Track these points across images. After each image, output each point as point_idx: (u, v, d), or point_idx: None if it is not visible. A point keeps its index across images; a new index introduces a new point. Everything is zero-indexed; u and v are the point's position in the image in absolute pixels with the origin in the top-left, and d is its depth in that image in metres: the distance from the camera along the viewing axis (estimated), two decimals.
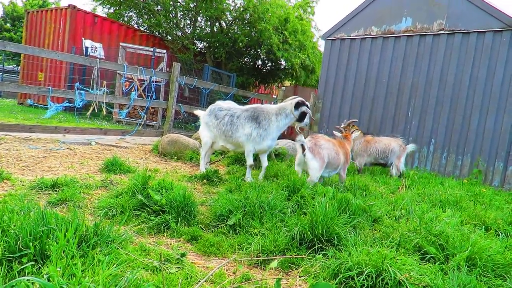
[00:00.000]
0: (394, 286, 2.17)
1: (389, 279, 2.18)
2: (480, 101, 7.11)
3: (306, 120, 4.93)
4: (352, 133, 5.41)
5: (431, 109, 7.67)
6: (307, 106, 4.92)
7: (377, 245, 2.67)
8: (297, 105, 4.85)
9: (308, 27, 15.15)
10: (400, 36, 8.09)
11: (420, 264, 2.46)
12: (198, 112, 5.58)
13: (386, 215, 3.58)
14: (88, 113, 6.75)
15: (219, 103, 5.28)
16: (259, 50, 15.63)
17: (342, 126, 6.09)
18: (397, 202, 4.01)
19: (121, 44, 12.16)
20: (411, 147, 6.71)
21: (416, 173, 6.68)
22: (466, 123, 7.26)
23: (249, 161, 4.91)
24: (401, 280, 2.17)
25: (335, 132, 5.38)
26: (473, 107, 7.19)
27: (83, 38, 12.05)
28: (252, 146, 4.86)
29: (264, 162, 5.08)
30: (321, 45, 16.11)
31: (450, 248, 2.67)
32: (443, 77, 7.56)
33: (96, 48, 12.26)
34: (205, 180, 4.60)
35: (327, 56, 9.23)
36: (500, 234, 3.36)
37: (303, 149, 4.30)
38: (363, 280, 2.20)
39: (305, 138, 4.47)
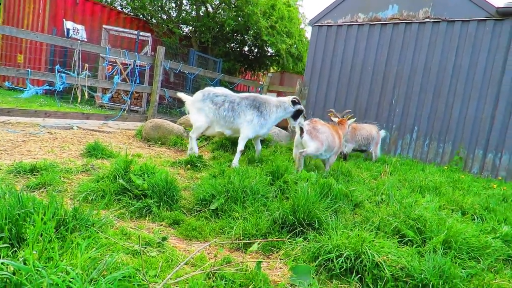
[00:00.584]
0: (372, 268, 2.22)
1: (367, 261, 2.23)
2: (462, 90, 7.22)
3: (300, 119, 5.17)
4: (348, 119, 5.56)
5: (415, 97, 7.76)
6: (299, 104, 5.34)
7: (357, 228, 2.72)
8: (293, 103, 5.27)
9: (296, 14, 15.00)
10: (386, 23, 8.11)
11: (398, 247, 2.52)
12: (183, 96, 5.43)
13: (367, 200, 3.64)
14: (79, 100, 6.56)
15: (211, 89, 5.27)
16: (246, 35, 15.44)
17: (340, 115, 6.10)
18: (378, 187, 4.08)
19: (104, 26, 11.83)
20: (383, 133, 7.04)
21: (398, 160, 6.81)
22: (448, 111, 7.39)
23: (241, 146, 5.03)
24: (378, 262, 2.22)
25: (332, 118, 5.55)
26: (455, 95, 7.30)
27: (64, 20, 11.66)
28: (251, 133, 5.08)
29: (258, 145, 5.48)
30: (308, 32, 16.03)
31: (428, 232, 2.73)
32: (427, 65, 7.63)
33: (78, 30, 11.90)
34: (188, 165, 4.58)
35: (313, 43, 9.19)
36: (476, 218, 3.46)
37: (302, 132, 4.53)
38: (342, 262, 2.24)
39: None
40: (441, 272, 2.17)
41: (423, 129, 7.67)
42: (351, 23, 8.55)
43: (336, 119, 5.49)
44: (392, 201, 3.45)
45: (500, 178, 6.73)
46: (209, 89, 5.29)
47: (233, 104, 5.10)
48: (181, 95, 5.47)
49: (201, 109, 5.15)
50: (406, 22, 7.86)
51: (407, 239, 2.72)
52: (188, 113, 5.41)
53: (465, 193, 4.56)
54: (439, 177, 5.31)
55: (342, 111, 5.94)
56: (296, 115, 5.32)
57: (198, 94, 5.27)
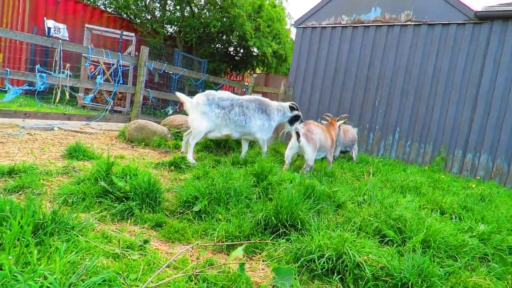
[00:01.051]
0: (353, 268, 2.25)
1: (348, 261, 2.26)
2: (442, 92, 7.39)
3: (296, 124, 5.30)
4: (337, 120, 5.76)
5: (397, 99, 7.90)
6: (297, 110, 5.67)
7: (339, 229, 2.76)
8: (291, 108, 5.61)
9: (282, 14, 15.07)
10: (369, 25, 8.22)
11: (379, 246, 2.56)
12: (183, 96, 5.25)
13: (350, 200, 3.68)
14: (57, 100, 6.42)
15: (214, 92, 5.27)
16: (231, 36, 15.43)
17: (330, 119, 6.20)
18: (361, 188, 4.13)
19: (86, 25, 11.64)
20: (356, 131, 7.36)
21: (381, 161, 6.91)
22: (429, 113, 7.54)
23: (265, 148, 5.51)
24: (359, 262, 2.26)
25: (324, 118, 5.77)
26: (436, 97, 7.46)
27: (45, 18, 11.42)
28: (265, 136, 5.43)
29: (245, 146, 5.70)
30: (293, 33, 16.13)
31: (408, 231, 2.79)
32: (408, 67, 7.78)
33: (59, 29, 11.67)
34: (172, 167, 4.55)
35: (298, 44, 9.26)
36: (454, 217, 3.55)
37: (298, 136, 4.72)
38: (324, 263, 2.27)
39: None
40: (420, 271, 2.22)
41: (405, 130, 7.81)
42: (335, 25, 8.64)
43: (325, 122, 5.69)
44: (373, 201, 3.51)
45: (478, 177, 6.91)
46: (212, 93, 5.26)
47: (242, 108, 5.24)
48: (180, 95, 5.28)
49: (205, 113, 5.08)
50: (388, 25, 7.99)
51: (387, 239, 2.77)
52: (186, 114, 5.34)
53: (445, 193, 4.66)
54: (420, 177, 5.42)
55: (327, 111, 6.07)
56: (292, 120, 5.60)
57: (202, 97, 5.15)
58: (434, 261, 2.45)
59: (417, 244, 2.57)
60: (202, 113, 5.09)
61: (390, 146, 8.01)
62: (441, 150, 7.40)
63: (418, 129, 7.66)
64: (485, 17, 6.93)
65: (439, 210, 3.72)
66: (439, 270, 2.32)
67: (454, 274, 2.40)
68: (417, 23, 7.63)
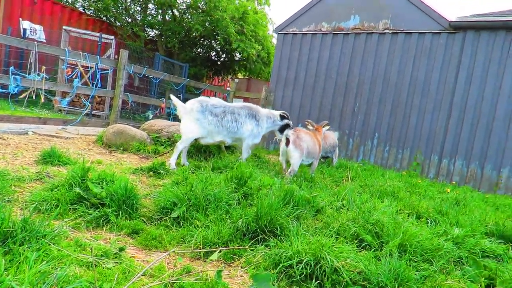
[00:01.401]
0: (331, 273, 2.26)
1: (326, 267, 2.27)
2: (419, 99, 7.58)
3: (286, 131, 5.35)
4: (323, 127, 5.94)
5: (375, 105, 8.05)
6: (287, 119, 5.82)
7: (318, 234, 2.76)
8: (282, 117, 5.79)
9: (264, 19, 15.18)
10: (349, 33, 8.38)
11: (356, 251, 2.58)
12: (177, 101, 5.26)
13: (329, 205, 3.71)
14: (25, 100, 6.23)
15: (207, 99, 5.35)
16: (213, 40, 15.42)
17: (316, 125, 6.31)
18: (340, 193, 4.17)
19: (64, 27, 11.39)
20: (337, 134, 7.39)
21: (360, 166, 7.01)
22: (406, 119, 7.72)
23: (246, 154, 5.56)
24: (337, 267, 2.27)
25: (308, 126, 5.87)
26: (412, 104, 7.65)
27: (20, 19, 11.11)
28: (250, 141, 5.52)
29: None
30: (275, 38, 16.28)
31: (385, 236, 2.82)
32: (386, 75, 7.95)
33: (35, 30, 11.37)
34: (151, 172, 4.48)
35: (279, 50, 9.33)
36: (430, 222, 3.62)
37: (288, 142, 4.93)
38: (302, 268, 2.26)
39: None
40: (396, 275, 2.25)
41: (383, 136, 7.96)
42: (315, 32, 8.76)
43: (311, 127, 5.83)
44: (352, 206, 3.55)
45: (454, 182, 7.10)
46: (205, 100, 5.33)
47: (234, 114, 5.35)
48: (174, 99, 5.29)
49: (199, 120, 5.13)
50: (367, 33, 8.16)
51: (365, 243, 2.79)
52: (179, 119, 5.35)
53: (421, 198, 4.76)
54: (398, 182, 5.52)
55: (307, 117, 6.15)
56: (283, 129, 5.73)
57: (196, 104, 5.19)
58: (410, 265, 2.48)
59: (394, 249, 2.61)
60: (195, 120, 5.14)
61: (369, 151, 8.14)
62: (418, 155, 7.57)
63: (396, 135, 7.82)
64: (459, 27, 7.17)
65: (415, 215, 3.79)
66: (415, 274, 2.35)
67: (429, 278, 2.44)
68: (395, 31, 7.83)
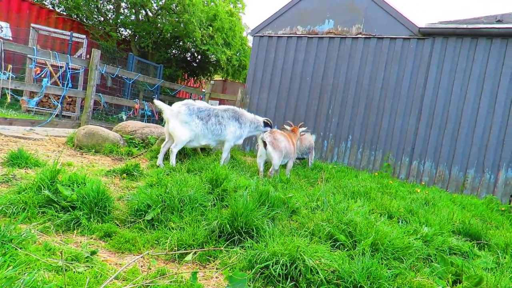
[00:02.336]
0: (306, 272, 2.29)
1: (302, 267, 2.30)
2: (390, 102, 7.81)
3: (262, 135, 5.50)
4: (299, 127, 6.23)
5: (349, 108, 8.22)
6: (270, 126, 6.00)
7: (293, 235, 2.79)
8: (265, 124, 5.96)
9: (238, 23, 15.18)
10: (323, 37, 8.52)
11: (331, 251, 2.63)
12: (161, 104, 5.29)
13: (304, 206, 3.75)
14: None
15: (193, 102, 5.42)
16: (187, 42, 15.28)
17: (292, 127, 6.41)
18: (314, 194, 4.23)
19: (32, 25, 10.98)
20: (314, 137, 7.68)
21: (334, 167, 7.14)
22: (378, 122, 7.93)
23: (226, 154, 5.64)
24: (312, 267, 2.30)
25: (285, 126, 6.17)
26: (384, 107, 7.87)
27: None
28: (232, 142, 5.63)
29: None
30: (251, 41, 16.35)
31: (358, 235, 2.89)
32: (359, 78, 8.14)
33: (1, 27, 10.91)
34: (124, 174, 4.38)
35: (255, 52, 9.36)
36: (400, 221, 3.73)
37: (265, 144, 5.14)
38: (279, 269, 2.28)
39: None
40: (369, 273, 2.30)
41: (357, 138, 8.14)
42: (291, 35, 8.86)
43: (288, 128, 6.09)
44: (326, 207, 3.60)
45: (423, 183, 7.35)
46: (191, 102, 5.40)
47: (218, 117, 5.46)
48: (158, 103, 5.34)
49: (187, 122, 5.19)
50: (341, 37, 8.33)
51: (339, 243, 2.85)
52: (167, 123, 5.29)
53: (393, 198, 4.90)
54: (370, 182, 5.65)
55: (283, 119, 6.25)
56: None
57: (182, 107, 5.23)
58: (382, 263, 2.55)
59: (366, 248, 2.67)
60: (183, 123, 5.18)
61: (343, 153, 8.30)
62: (390, 157, 7.79)
63: (369, 137, 8.02)
64: (427, 33, 7.45)
65: (387, 214, 3.90)
66: (387, 272, 2.42)
67: (400, 275, 2.52)
68: (367, 36, 8.03)
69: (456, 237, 3.51)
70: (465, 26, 7.11)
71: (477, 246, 3.44)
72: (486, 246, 3.52)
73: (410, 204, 4.43)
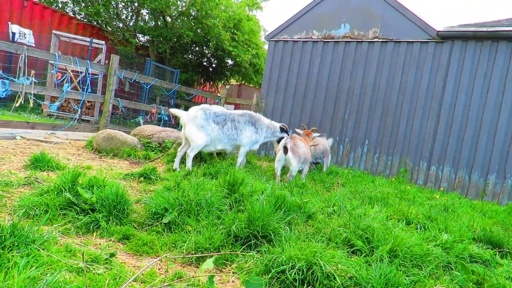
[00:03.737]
0: (323, 278, 2.27)
1: (319, 272, 2.28)
2: (408, 106, 7.70)
3: (284, 141, 5.54)
4: (312, 131, 6.26)
5: (365, 112, 8.14)
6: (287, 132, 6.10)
7: (309, 240, 2.78)
8: (282, 129, 6.02)
9: (257, 27, 15.37)
10: (339, 41, 8.48)
11: (348, 256, 2.60)
12: (177, 112, 5.43)
13: (320, 211, 3.73)
14: (16, 105, 6.15)
15: (208, 107, 5.47)
16: (205, 47, 15.48)
17: (303, 130, 6.41)
18: (330, 199, 4.20)
19: (54, 32, 11.30)
20: (330, 141, 7.57)
21: (350, 172, 7.07)
22: (395, 126, 7.82)
23: (241, 158, 5.63)
24: (329, 273, 2.28)
25: (298, 130, 6.18)
26: (402, 112, 7.76)
27: (9, 23, 11.00)
28: (248, 147, 5.66)
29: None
30: (267, 45, 16.47)
31: (375, 241, 2.85)
32: (376, 82, 8.06)
33: (25, 34, 11.27)
34: (142, 178, 4.45)
35: (270, 57, 9.39)
36: (419, 227, 3.67)
37: (286, 150, 5.15)
38: (295, 274, 2.27)
39: None
40: (387, 280, 2.27)
41: (373, 143, 8.05)
42: (306, 39, 8.85)
43: (301, 131, 6.12)
44: (343, 212, 3.57)
45: (442, 189, 7.20)
46: (207, 107, 5.44)
47: (234, 122, 5.48)
48: (174, 111, 5.46)
49: (203, 127, 5.23)
50: (357, 41, 8.28)
51: (356, 248, 2.82)
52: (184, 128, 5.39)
53: (411, 204, 4.81)
54: (387, 188, 5.58)
55: (298, 123, 6.25)
56: (280, 140, 5.89)
57: (199, 111, 5.29)
58: (400, 270, 2.51)
59: (384, 254, 2.63)
60: (199, 127, 5.23)
61: (359, 158, 8.21)
62: (407, 162, 7.67)
63: (386, 141, 7.91)
64: (446, 37, 7.33)
65: (405, 220, 3.83)
66: (405, 279, 2.38)
67: (419, 283, 2.47)
68: (384, 40, 7.96)
69: (477, 245, 3.43)
70: (485, 29, 6.97)
71: (499, 254, 3.35)
72: (508, 254, 3.42)
73: (428, 210, 4.34)
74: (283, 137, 5.91)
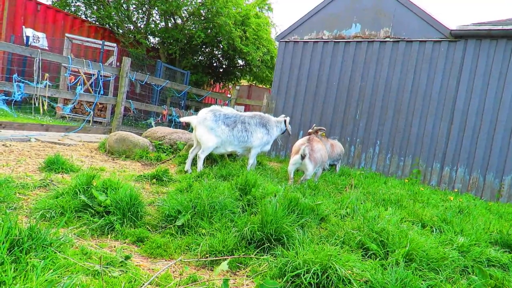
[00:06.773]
0: (339, 282, 2.25)
1: (333, 276, 2.26)
2: (420, 106, 7.60)
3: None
4: (315, 132, 6.19)
5: (377, 112, 8.07)
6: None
7: (323, 243, 2.76)
8: (284, 123, 6.02)
9: (267, 23, 15.40)
10: (350, 41, 8.42)
11: (362, 260, 2.57)
12: (188, 119, 5.42)
13: (333, 213, 3.70)
14: (41, 112, 6.24)
15: (218, 108, 5.45)
16: (215, 48, 15.53)
17: (310, 131, 6.39)
18: (343, 201, 4.16)
19: (66, 35, 11.46)
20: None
21: (362, 173, 7.01)
22: (408, 126, 7.73)
23: (252, 160, 5.63)
24: (344, 277, 2.26)
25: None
26: (414, 111, 7.66)
27: (23, 27, 11.19)
28: (259, 149, 5.65)
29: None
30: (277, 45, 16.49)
31: (390, 245, 2.81)
32: (388, 82, 7.98)
33: (38, 38, 11.44)
34: (154, 180, 4.47)
35: (281, 58, 9.37)
36: (434, 230, 3.61)
37: (303, 156, 5.04)
38: (310, 278, 2.25)
39: None
40: (403, 285, 2.23)
41: (385, 143, 7.97)
42: (317, 40, 8.81)
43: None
44: (356, 214, 3.54)
45: (456, 190, 7.09)
46: (217, 109, 5.43)
47: (245, 124, 5.46)
48: (184, 119, 5.42)
49: (213, 129, 5.23)
50: (368, 41, 8.21)
51: (370, 252, 2.78)
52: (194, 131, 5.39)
53: (425, 206, 4.75)
54: (400, 190, 5.51)
55: (309, 124, 6.23)
56: (284, 132, 6.07)
57: (209, 113, 5.28)
58: (416, 275, 2.47)
59: (400, 258, 2.59)
60: (209, 129, 5.23)
61: (370, 158, 8.14)
62: (420, 163, 7.57)
63: (398, 142, 7.82)
64: (459, 36, 7.21)
65: (420, 223, 3.78)
66: (422, 283, 2.34)
67: (436, 287, 2.43)
68: (396, 39, 7.87)
69: (494, 248, 3.36)
70: (500, 27, 6.84)
71: None
72: None
73: (443, 213, 4.27)
74: (286, 130, 5.98)
